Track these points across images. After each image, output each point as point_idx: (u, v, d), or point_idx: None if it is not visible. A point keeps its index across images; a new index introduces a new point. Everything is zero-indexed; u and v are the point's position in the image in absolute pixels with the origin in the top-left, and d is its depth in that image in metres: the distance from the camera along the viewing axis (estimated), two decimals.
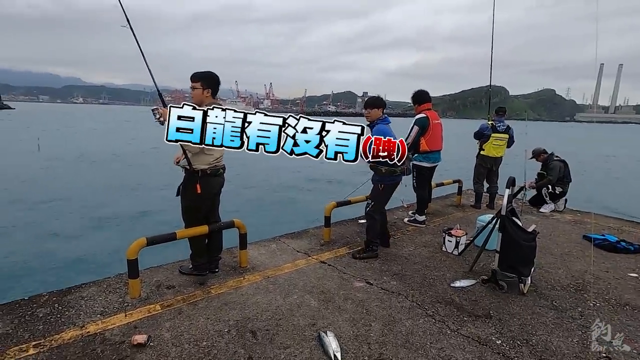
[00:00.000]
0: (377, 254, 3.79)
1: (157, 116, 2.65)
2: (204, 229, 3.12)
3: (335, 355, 2.19)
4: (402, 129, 4.61)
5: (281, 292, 2.98)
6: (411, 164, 4.88)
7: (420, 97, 4.83)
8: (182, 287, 3.03)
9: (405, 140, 4.72)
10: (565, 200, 5.88)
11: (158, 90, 2.89)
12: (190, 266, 3.20)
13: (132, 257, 2.74)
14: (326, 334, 2.37)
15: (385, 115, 3.87)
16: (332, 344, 2.28)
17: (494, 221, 3.28)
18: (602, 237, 4.40)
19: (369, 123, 3.86)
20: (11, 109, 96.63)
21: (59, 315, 2.55)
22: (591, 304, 2.97)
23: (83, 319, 2.52)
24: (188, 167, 2.87)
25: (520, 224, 3.24)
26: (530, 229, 3.25)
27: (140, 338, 2.26)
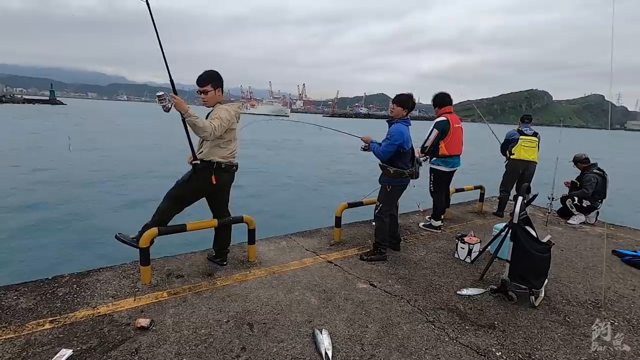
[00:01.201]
0: (386, 257, 3.75)
1: (165, 102, 2.63)
2: (213, 222, 3.24)
3: (326, 353, 2.21)
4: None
5: (283, 288, 3.04)
6: (429, 168, 4.81)
7: (442, 100, 4.74)
8: (190, 277, 3.16)
9: (424, 144, 4.68)
10: (597, 212, 5.53)
11: (171, 78, 2.79)
12: (133, 236, 3.00)
13: (144, 246, 2.90)
14: (320, 332, 2.39)
15: (408, 117, 3.80)
16: (325, 341, 2.30)
17: (506, 229, 3.16)
18: (634, 252, 4.11)
19: (388, 120, 3.84)
20: (63, 104, 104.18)
21: (75, 295, 2.74)
22: (609, 323, 2.79)
23: (96, 300, 2.70)
24: (205, 158, 2.93)
25: (535, 234, 3.10)
26: (545, 240, 3.10)
27: (143, 321, 2.40)
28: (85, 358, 2.09)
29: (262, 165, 16.51)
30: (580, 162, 5.62)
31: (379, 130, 4.15)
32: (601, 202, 5.44)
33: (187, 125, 2.75)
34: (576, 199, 5.49)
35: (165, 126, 34.00)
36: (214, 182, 2.95)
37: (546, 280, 3.09)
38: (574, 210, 5.52)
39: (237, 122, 3.11)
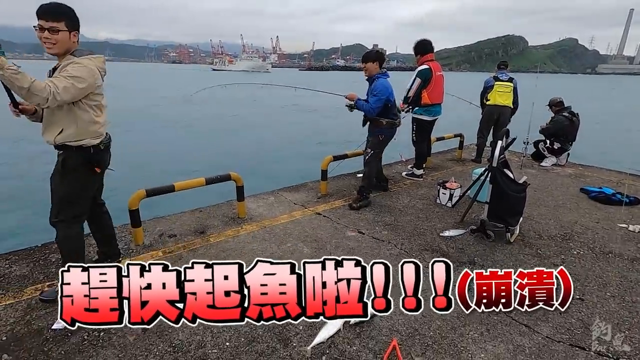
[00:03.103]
0: (370, 201, 4.01)
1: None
2: (201, 181, 3.24)
3: None
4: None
5: (276, 241, 3.15)
6: (411, 117, 4.85)
7: (424, 47, 4.67)
8: (183, 235, 3.21)
9: (407, 94, 4.67)
10: (568, 154, 5.82)
11: None
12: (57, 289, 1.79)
13: (133, 208, 2.90)
14: None
15: (385, 70, 3.86)
16: None
17: (486, 173, 3.31)
18: (599, 189, 4.42)
19: (367, 78, 3.85)
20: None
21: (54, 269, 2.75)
22: (575, 252, 3.08)
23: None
24: (71, 142, 2.11)
25: (513, 176, 3.27)
26: (521, 181, 3.28)
27: None
28: None
29: (244, 124, 16.15)
30: (555, 105, 5.82)
31: (355, 83, 4.13)
32: (571, 144, 5.71)
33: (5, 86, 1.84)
34: (547, 141, 5.74)
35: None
36: (99, 171, 2.27)
37: (521, 218, 3.31)
38: (545, 152, 5.79)
39: (102, 82, 2.21)
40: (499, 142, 3.11)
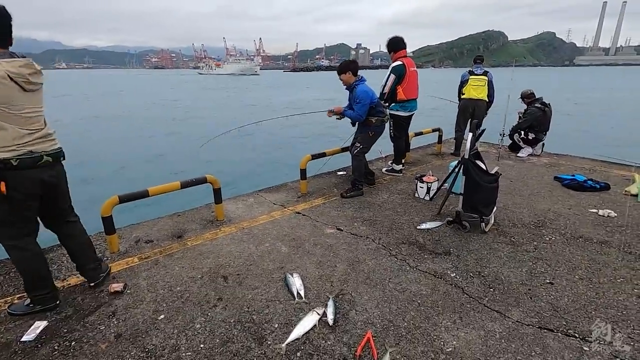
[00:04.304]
0: (363, 192, 4.21)
1: None
2: (176, 185, 3.21)
3: (298, 292, 2.38)
4: None
5: (254, 241, 3.14)
6: (388, 114, 4.91)
7: (396, 44, 4.71)
8: (160, 241, 3.17)
9: (382, 90, 4.72)
10: (543, 144, 5.97)
11: None
12: (28, 301, 2.23)
13: (106, 215, 2.85)
14: (292, 275, 2.55)
15: (361, 76, 4.15)
16: (296, 282, 2.46)
17: (458, 165, 3.37)
18: (572, 177, 4.54)
19: (346, 87, 4.08)
20: None
21: None
22: (547, 238, 3.16)
23: (64, 273, 2.68)
24: None
25: (485, 167, 3.34)
26: (493, 171, 3.35)
27: (117, 286, 2.43)
28: (62, 327, 2.12)
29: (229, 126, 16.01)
30: (527, 97, 5.99)
31: (340, 82, 4.20)
32: (545, 134, 5.86)
33: None
34: (522, 133, 5.87)
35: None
36: (3, 191, 1.91)
37: (495, 208, 3.38)
38: (521, 143, 5.93)
39: (29, 87, 1.96)
40: (470, 135, 3.18)
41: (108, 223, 2.88)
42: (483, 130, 3.44)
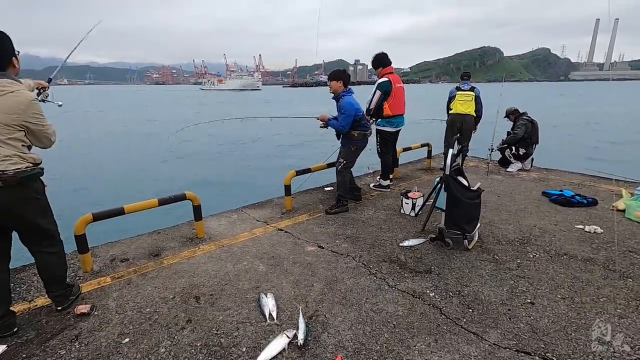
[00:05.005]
0: (348, 208, 4.17)
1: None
2: (153, 202, 3.17)
3: (270, 314, 2.30)
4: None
5: (232, 260, 3.07)
6: (375, 129, 4.91)
7: (381, 61, 4.75)
8: (136, 259, 3.10)
9: (368, 106, 4.74)
10: (532, 159, 5.96)
11: None
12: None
13: (79, 233, 2.80)
14: (266, 295, 2.47)
15: (349, 88, 4.14)
16: (269, 303, 2.38)
17: (440, 181, 3.34)
18: (559, 192, 4.50)
19: (333, 96, 4.05)
20: None
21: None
22: (531, 256, 3.10)
23: (33, 294, 2.61)
24: None
25: (467, 183, 3.31)
26: (475, 187, 3.31)
27: (83, 308, 2.35)
28: (21, 352, 2.04)
29: (219, 141, 16.07)
30: (511, 113, 6.10)
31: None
32: (534, 147, 5.87)
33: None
34: (513, 148, 5.87)
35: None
36: None
37: (478, 224, 3.33)
38: (511, 159, 5.92)
39: None
40: (450, 151, 3.15)
41: (81, 241, 2.82)
42: (462, 146, 3.42)
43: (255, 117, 5.80)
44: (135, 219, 3.59)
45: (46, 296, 2.52)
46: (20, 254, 2.39)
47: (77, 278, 2.80)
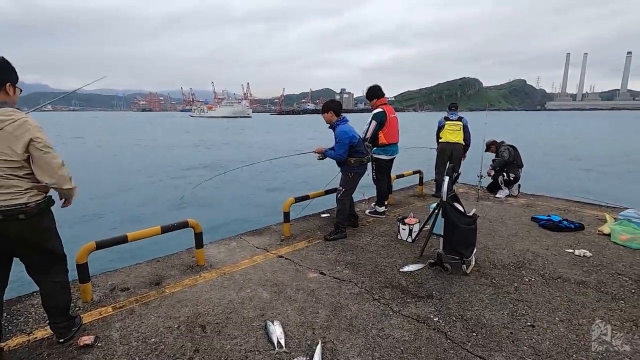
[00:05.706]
0: (346, 235, 4.22)
1: None
2: (156, 230, 3.17)
3: (278, 342, 2.30)
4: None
5: (235, 287, 3.07)
6: (371, 157, 5.08)
7: (374, 93, 5.01)
8: (137, 288, 3.07)
9: (364, 136, 4.92)
10: (519, 185, 6.21)
11: None
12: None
13: (81, 262, 2.77)
14: (272, 323, 2.48)
15: (343, 116, 4.29)
16: (277, 330, 2.39)
17: (437, 207, 3.46)
18: (547, 217, 4.69)
19: (329, 126, 4.20)
20: None
21: (6, 324, 2.54)
22: (527, 279, 3.20)
23: (31, 326, 2.54)
24: None
25: (462, 209, 3.44)
26: (470, 213, 3.44)
27: (87, 339, 2.31)
28: None
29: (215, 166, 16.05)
30: (492, 144, 6.43)
31: (326, 124, 4.35)
32: (520, 170, 6.14)
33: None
34: (505, 174, 6.10)
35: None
36: None
37: (475, 249, 3.44)
38: (502, 185, 6.15)
39: None
40: (446, 178, 3.30)
41: (83, 271, 2.78)
42: (458, 174, 3.58)
43: (258, 162, 5.95)
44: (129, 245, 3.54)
45: (46, 328, 2.47)
46: (12, 285, 2.33)
47: (77, 308, 2.74)
